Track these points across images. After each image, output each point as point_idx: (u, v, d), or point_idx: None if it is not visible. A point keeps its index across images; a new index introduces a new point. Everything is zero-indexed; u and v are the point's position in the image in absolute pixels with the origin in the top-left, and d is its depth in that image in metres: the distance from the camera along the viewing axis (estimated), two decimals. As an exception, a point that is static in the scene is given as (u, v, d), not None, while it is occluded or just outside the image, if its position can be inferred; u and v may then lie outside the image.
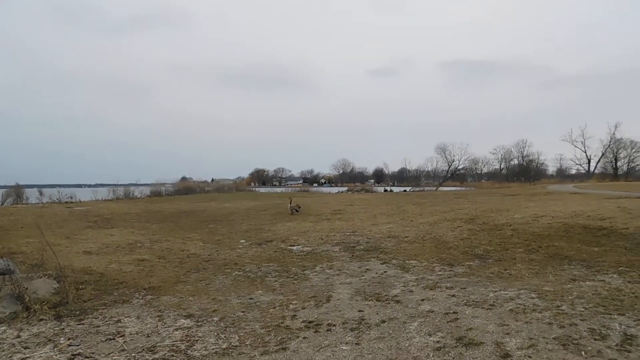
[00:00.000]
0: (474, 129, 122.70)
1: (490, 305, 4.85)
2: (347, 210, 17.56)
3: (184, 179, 52.48)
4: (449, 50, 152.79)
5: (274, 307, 5.19)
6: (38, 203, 22.67)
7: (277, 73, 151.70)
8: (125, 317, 5.08)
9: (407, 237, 10.27)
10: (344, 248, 9.24)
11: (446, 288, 5.74)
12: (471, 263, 7.40)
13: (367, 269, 7.21)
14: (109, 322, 4.78)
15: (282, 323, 4.59)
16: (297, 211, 17.12)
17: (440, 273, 6.76)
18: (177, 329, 4.53)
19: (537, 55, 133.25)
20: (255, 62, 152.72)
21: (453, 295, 5.33)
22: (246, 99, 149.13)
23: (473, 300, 5.06)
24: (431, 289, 5.72)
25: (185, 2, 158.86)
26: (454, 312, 4.65)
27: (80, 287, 6.04)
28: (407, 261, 7.74)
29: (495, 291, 5.48)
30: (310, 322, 4.59)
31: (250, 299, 5.64)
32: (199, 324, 4.71)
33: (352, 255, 8.45)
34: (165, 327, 4.65)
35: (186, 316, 4.99)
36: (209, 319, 4.85)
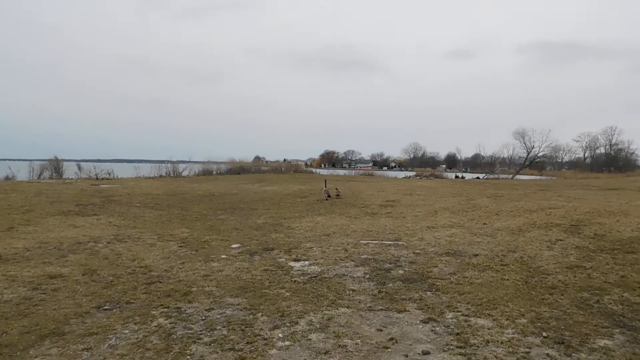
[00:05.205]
0: (556, 115, 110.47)
1: None
2: (403, 201, 13.82)
3: (257, 158, 53.38)
4: (531, 31, 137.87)
5: None
6: (68, 178, 21.36)
7: (349, 56, 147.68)
8: None
9: (476, 255, 6.59)
10: (371, 272, 5.76)
11: None
12: (608, 342, 3.60)
13: (391, 338, 3.67)
14: None
15: None
16: (328, 198, 14.42)
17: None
18: None
19: (629, 38, 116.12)
20: (328, 46, 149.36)
21: None
22: (319, 81, 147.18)
23: None
24: None
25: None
26: None
27: None
28: (472, 319, 4.10)
29: None
30: None
31: None
32: None
33: (379, 292, 4.97)
34: None
35: None
36: None
